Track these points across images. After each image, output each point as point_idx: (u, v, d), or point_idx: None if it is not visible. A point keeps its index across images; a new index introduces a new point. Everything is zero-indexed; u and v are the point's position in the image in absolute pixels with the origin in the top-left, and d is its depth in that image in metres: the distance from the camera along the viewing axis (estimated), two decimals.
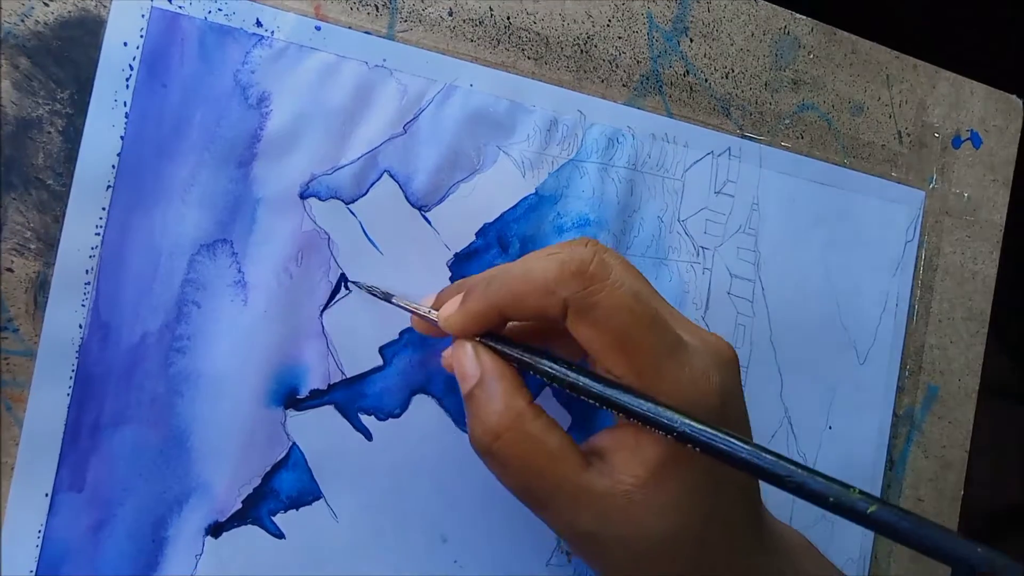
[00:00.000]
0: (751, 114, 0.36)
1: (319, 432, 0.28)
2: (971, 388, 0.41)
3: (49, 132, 0.25)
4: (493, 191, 0.30)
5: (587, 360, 0.26)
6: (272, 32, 0.27)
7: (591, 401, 0.23)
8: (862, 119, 0.38)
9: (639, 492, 0.22)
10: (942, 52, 0.41)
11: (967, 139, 0.41)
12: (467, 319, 0.24)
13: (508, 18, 0.31)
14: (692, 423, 0.21)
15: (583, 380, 0.23)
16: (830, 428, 0.38)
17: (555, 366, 0.23)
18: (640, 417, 0.21)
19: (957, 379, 0.41)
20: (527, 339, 0.26)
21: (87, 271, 0.26)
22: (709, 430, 0.21)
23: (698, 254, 0.34)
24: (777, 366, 0.36)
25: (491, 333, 0.25)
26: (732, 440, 0.20)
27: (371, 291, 0.28)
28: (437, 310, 0.26)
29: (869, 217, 0.38)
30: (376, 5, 0.29)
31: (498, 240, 0.30)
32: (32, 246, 0.25)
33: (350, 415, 0.29)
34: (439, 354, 0.30)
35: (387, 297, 0.28)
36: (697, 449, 0.21)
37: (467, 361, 0.24)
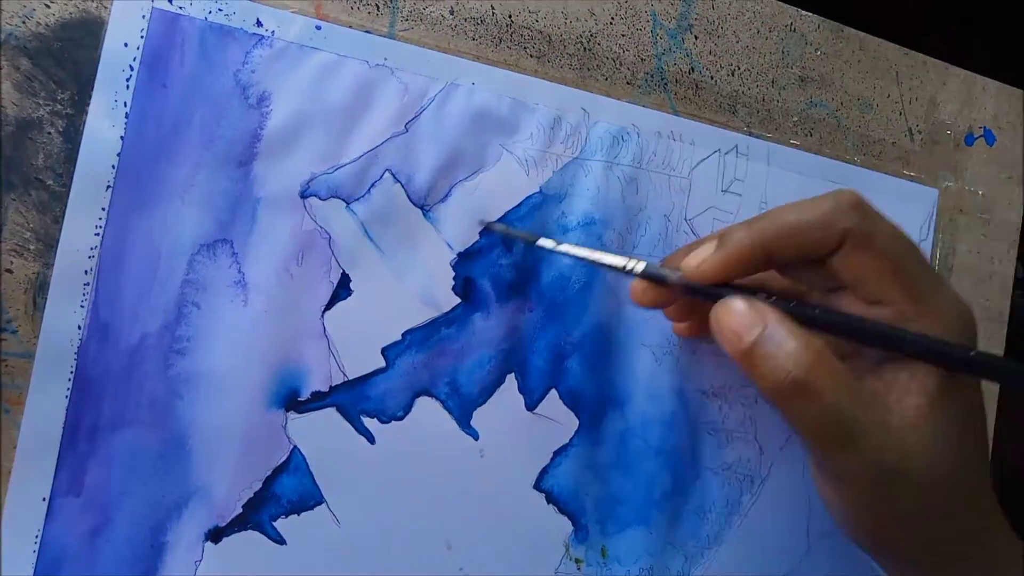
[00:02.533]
0: (758, 112, 0.35)
1: (320, 435, 0.28)
2: (992, 391, 0.40)
3: (49, 133, 0.25)
4: (496, 190, 0.30)
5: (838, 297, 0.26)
6: (272, 32, 0.27)
7: (870, 344, 0.24)
8: (872, 116, 0.38)
9: (926, 424, 0.23)
10: (952, 48, 0.40)
11: (980, 136, 0.40)
12: (728, 260, 0.24)
13: (510, 16, 0.31)
14: (976, 352, 0.22)
15: (871, 324, 0.23)
16: None
17: (836, 312, 0.24)
18: (927, 353, 0.23)
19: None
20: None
21: (86, 272, 0.25)
22: (992, 357, 0.22)
23: None
24: None
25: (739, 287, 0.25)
26: (1009, 362, 0.22)
27: (514, 235, 0.29)
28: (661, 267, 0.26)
29: None
30: (377, 4, 0.29)
31: (502, 239, 0.30)
32: (31, 247, 0.25)
33: (352, 418, 0.28)
34: (442, 355, 0.29)
35: (532, 241, 0.28)
36: (974, 375, 0.23)
37: (744, 310, 0.23)
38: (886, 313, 0.24)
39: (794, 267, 0.25)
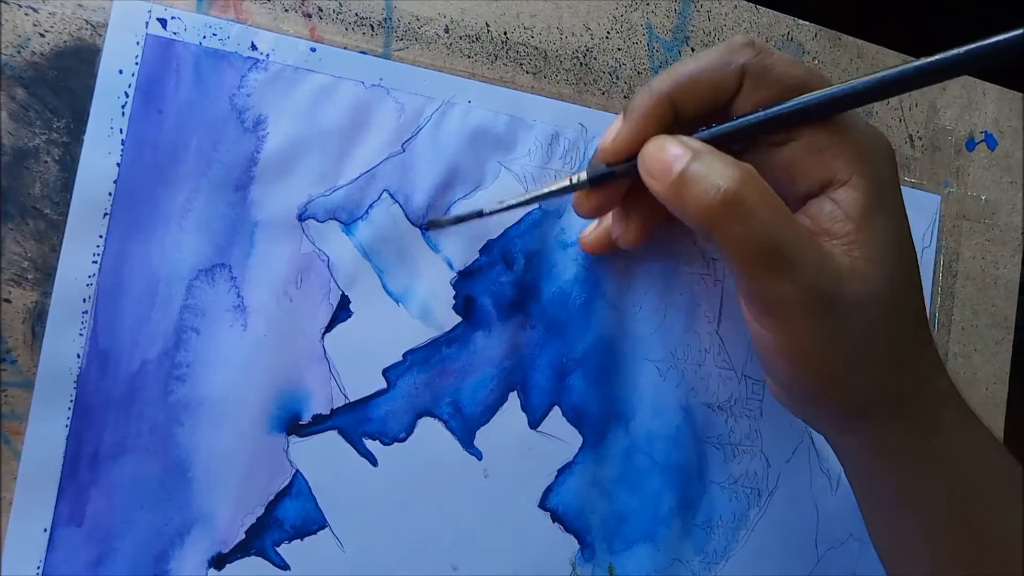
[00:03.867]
0: None
1: (323, 458, 0.27)
2: (999, 397, 0.40)
3: (46, 161, 0.25)
4: None
5: None
6: (267, 55, 0.27)
7: (802, 120, 0.23)
8: (872, 123, 0.37)
9: (856, 247, 0.23)
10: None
11: (981, 141, 0.40)
12: (637, 124, 0.24)
13: (505, 33, 0.31)
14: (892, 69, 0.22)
15: (795, 103, 0.23)
16: None
17: (756, 113, 0.23)
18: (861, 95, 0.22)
19: (984, 388, 0.40)
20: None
21: (85, 300, 0.25)
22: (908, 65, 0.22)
23: (709, 265, 0.33)
24: None
25: None
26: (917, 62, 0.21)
27: (460, 219, 0.28)
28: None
29: None
30: (371, 24, 0.29)
31: (502, 257, 0.30)
32: (30, 276, 0.25)
33: (354, 440, 0.28)
34: (444, 374, 0.29)
35: (478, 213, 0.27)
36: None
37: (673, 143, 0.23)
38: (799, 147, 0.24)
39: (700, 122, 0.25)
